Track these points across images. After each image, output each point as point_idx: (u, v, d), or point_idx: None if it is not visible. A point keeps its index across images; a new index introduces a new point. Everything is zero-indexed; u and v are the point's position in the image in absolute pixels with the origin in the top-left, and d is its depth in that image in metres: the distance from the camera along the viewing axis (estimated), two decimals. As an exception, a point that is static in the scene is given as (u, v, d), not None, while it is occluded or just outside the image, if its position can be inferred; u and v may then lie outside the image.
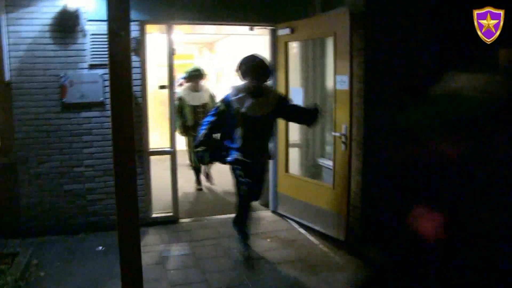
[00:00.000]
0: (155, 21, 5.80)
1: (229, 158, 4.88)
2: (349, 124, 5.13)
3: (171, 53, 5.89)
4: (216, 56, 11.83)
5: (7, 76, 5.32)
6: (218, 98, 6.02)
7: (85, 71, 5.55)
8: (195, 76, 7.35)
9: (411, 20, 4.98)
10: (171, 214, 6.12)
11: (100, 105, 5.60)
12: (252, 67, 4.77)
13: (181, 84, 8.98)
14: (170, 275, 4.64)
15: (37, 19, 5.37)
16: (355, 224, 5.18)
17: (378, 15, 4.95)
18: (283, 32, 6.04)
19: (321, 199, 5.63)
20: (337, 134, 5.27)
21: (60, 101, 5.51)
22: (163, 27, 5.87)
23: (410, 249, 2.07)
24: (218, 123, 4.89)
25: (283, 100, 5.12)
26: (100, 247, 5.26)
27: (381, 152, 5.05)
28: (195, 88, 7.38)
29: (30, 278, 4.47)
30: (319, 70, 6.41)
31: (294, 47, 6.55)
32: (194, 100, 7.30)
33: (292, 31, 5.89)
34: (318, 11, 6.01)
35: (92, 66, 5.54)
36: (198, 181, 7.82)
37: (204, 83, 7.68)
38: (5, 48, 5.29)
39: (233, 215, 5.32)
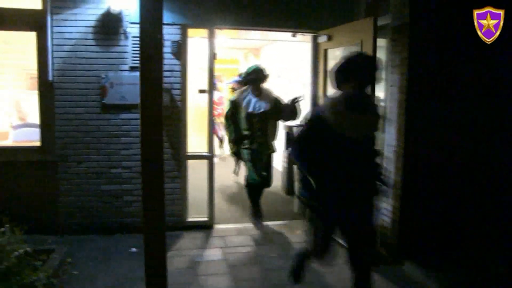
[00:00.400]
0: (197, 25, 5.78)
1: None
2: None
3: (212, 58, 5.86)
4: (262, 62, 11.79)
5: (50, 76, 5.42)
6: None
7: (126, 73, 5.59)
8: (254, 78, 5.89)
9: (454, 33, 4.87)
10: (206, 219, 6.07)
11: (139, 107, 5.62)
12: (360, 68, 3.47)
13: (233, 88, 8.76)
14: (201, 281, 4.59)
15: (81, 21, 5.45)
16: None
17: (424, 26, 4.84)
18: (322, 39, 6.04)
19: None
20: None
21: (100, 102, 5.57)
22: (205, 31, 5.85)
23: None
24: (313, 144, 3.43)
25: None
26: (134, 249, 5.27)
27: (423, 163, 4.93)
28: (255, 92, 5.92)
29: (63, 276, 4.50)
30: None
31: (337, 54, 6.42)
32: (252, 106, 5.86)
33: (329, 38, 5.86)
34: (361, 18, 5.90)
35: (133, 68, 5.58)
36: (258, 214, 6.24)
37: (266, 86, 6.10)
38: (50, 49, 5.40)
39: (268, 223, 5.18)
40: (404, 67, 4.87)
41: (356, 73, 3.42)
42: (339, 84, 3.51)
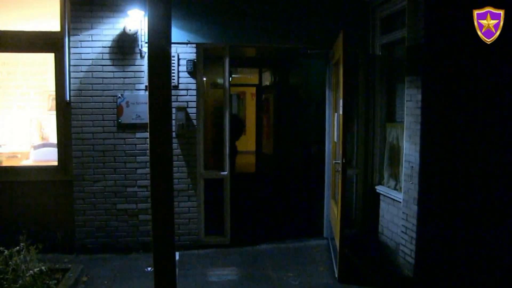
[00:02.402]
0: (211, 43, 5.80)
1: None
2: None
3: (228, 76, 5.87)
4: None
5: (67, 96, 5.49)
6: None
7: (142, 92, 5.63)
8: None
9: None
10: (223, 238, 6.01)
11: (155, 126, 5.64)
12: None
13: None
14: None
15: (98, 41, 5.53)
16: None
17: (438, 46, 4.78)
18: (331, 54, 6.06)
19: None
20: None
21: (116, 121, 5.61)
22: (220, 49, 5.87)
23: None
24: None
25: None
26: (149, 268, 5.22)
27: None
28: None
29: (77, 295, 4.50)
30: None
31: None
32: None
33: (333, 53, 5.87)
34: (377, 35, 5.93)
35: (149, 88, 5.60)
36: None
37: None
38: (67, 69, 5.48)
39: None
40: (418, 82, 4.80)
41: None
42: None
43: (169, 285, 3.22)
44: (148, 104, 3.05)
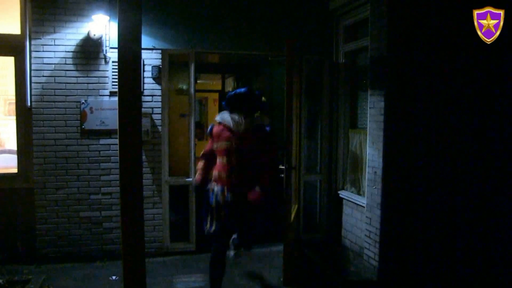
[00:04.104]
0: (177, 49, 5.78)
1: None
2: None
3: (193, 82, 5.86)
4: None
5: (29, 102, 5.35)
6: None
7: (106, 98, 5.54)
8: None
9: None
10: (189, 245, 5.98)
11: (119, 132, 5.56)
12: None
13: None
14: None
15: (61, 46, 5.41)
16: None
17: (401, 54, 4.94)
18: None
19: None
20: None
21: (79, 128, 5.50)
22: (185, 55, 5.86)
23: None
24: None
25: None
26: (114, 277, 5.13)
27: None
28: None
29: (40, 307, 4.37)
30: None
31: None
32: None
33: None
34: (341, 43, 6.08)
35: (113, 93, 5.53)
36: None
37: None
38: (28, 74, 5.33)
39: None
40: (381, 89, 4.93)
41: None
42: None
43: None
44: (118, 109, 3.00)
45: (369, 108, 5.23)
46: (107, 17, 5.36)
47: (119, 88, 2.87)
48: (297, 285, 5.02)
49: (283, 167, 4.91)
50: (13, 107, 5.59)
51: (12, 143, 5.73)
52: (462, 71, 4.96)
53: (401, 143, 4.96)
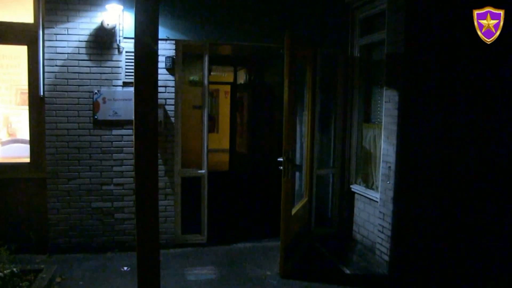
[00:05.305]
0: (191, 40, 5.72)
1: None
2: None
3: (207, 73, 5.81)
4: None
5: (41, 91, 5.32)
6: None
7: (119, 89, 5.51)
8: None
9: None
10: (200, 237, 5.96)
11: (132, 123, 5.52)
12: None
13: None
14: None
15: (74, 35, 5.37)
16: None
17: (418, 48, 4.89)
18: None
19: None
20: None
21: (92, 118, 5.47)
22: (199, 46, 5.80)
23: None
24: None
25: None
26: (126, 268, 5.13)
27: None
28: None
29: (51, 296, 4.37)
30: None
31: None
32: None
33: None
34: (357, 36, 6.03)
35: (126, 84, 5.50)
36: None
37: None
38: (41, 63, 5.31)
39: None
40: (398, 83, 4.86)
41: None
42: None
43: (153, 285, 3.16)
44: (134, 100, 2.97)
45: (385, 102, 5.16)
46: (121, 7, 5.31)
47: (135, 80, 2.85)
48: (296, 277, 4.99)
49: (281, 159, 4.90)
50: (26, 96, 5.56)
51: (24, 133, 5.71)
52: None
53: (415, 138, 4.90)
